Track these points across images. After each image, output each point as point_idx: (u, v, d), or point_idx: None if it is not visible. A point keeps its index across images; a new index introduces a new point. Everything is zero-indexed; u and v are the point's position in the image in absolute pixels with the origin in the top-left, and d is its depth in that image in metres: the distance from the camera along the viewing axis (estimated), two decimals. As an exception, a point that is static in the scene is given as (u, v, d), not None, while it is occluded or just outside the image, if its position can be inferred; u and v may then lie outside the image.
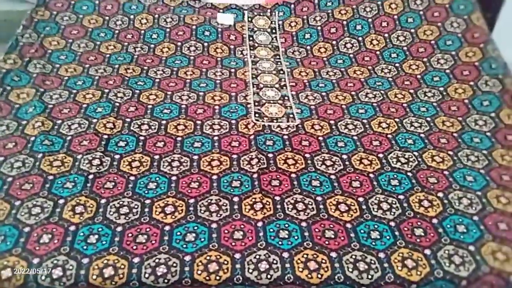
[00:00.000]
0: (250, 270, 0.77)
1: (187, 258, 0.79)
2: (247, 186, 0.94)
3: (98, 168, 0.96)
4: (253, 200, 0.91)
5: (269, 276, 0.77)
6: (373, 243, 0.83)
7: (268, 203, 0.90)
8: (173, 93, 1.24)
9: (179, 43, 1.45)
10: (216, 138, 1.08)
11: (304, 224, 0.86)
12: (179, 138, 1.08)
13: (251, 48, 1.46)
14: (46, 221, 0.84)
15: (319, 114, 1.18)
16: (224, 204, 0.90)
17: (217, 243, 0.82)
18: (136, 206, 0.89)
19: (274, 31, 1.53)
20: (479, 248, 0.83)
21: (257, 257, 0.79)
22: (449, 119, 1.17)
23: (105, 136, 1.05)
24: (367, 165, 1.02)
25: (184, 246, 0.81)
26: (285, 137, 1.10)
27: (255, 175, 0.97)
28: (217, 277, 0.76)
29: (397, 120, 1.17)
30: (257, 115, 1.17)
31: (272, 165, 1.01)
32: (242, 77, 1.33)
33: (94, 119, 1.11)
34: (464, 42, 1.33)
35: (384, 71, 1.37)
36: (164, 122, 1.13)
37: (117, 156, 1.01)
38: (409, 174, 1.00)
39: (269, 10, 1.57)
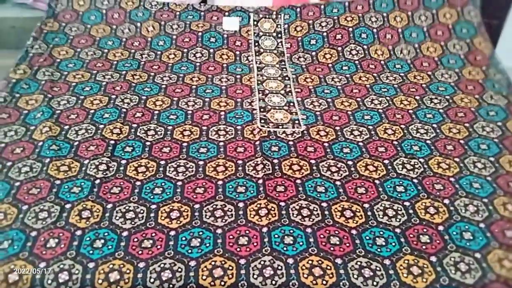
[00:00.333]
0: (255, 276, 0.77)
1: (192, 263, 0.79)
2: (252, 191, 0.94)
3: (104, 173, 0.97)
4: (258, 205, 0.91)
5: (274, 282, 0.76)
6: (379, 250, 0.83)
7: (273, 208, 0.90)
8: (179, 99, 1.25)
9: (185, 50, 1.46)
10: (221, 144, 1.08)
11: (309, 230, 0.86)
12: (185, 144, 1.08)
13: (257, 54, 1.47)
14: (53, 226, 0.84)
15: (325, 120, 1.18)
16: (229, 210, 0.90)
17: (222, 248, 0.82)
18: (142, 211, 0.89)
19: (279, 35, 1.53)
20: (485, 256, 0.82)
21: (262, 262, 0.79)
22: (455, 126, 1.17)
23: (112, 142, 1.06)
24: (372, 171, 1.02)
25: (189, 251, 0.81)
26: (291, 143, 1.10)
27: (260, 181, 0.97)
28: (222, 283, 0.76)
29: (402, 126, 1.17)
30: (262, 121, 1.17)
31: (277, 171, 1.01)
32: (248, 83, 1.34)
33: (101, 125, 1.12)
34: (467, 62, 1.34)
35: (389, 79, 1.37)
36: (170, 127, 1.13)
37: (123, 162, 1.01)
38: (415, 180, 0.99)
39: (274, 13, 1.57)
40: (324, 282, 0.77)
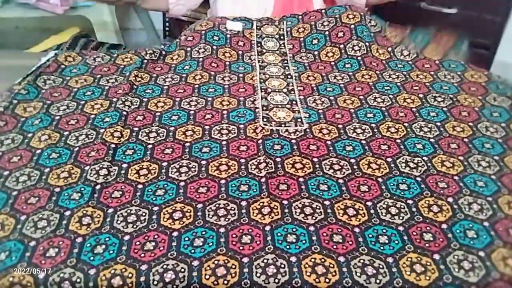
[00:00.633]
0: (258, 274, 0.77)
1: (195, 263, 0.78)
2: (255, 190, 0.94)
3: (105, 178, 0.95)
4: (261, 204, 0.91)
5: (276, 280, 0.76)
6: (382, 248, 0.82)
7: (276, 207, 0.90)
8: (182, 99, 1.25)
9: (188, 49, 1.46)
10: (224, 142, 1.08)
11: (312, 228, 0.86)
12: (187, 144, 1.08)
13: (259, 53, 1.47)
14: (53, 234, 0.83)
15: (327, 118, 1.18)
16: (232, 209, 0.90)
17: (225, 247, 0.81)
18: (143, 214, 0.88)
19: (282, 37, 1.53)
20: (489, 254, 0.82)
21: (265, 261, 0.79)
22: (459, 124, 1.17)
23: (113, 145, 1.05)
24: (375, 169, 1.01)
25: (192, 251, 0.81)
26: (293, 141, 1.10)
27: (263, 179, 0.97)
28: (225, 281, 0.76)
29: (406, 124, 1.16)
30: (265, 119, 1.17)
31: (280, 169, 1.00)
32: (250, 81, 1.34)
33: (102, 129, 1.10)
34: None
35: (392, 77, 1.37)
36: (172, 128, 1.13)
37: (124, 165, 1.00)
38: (418, 179, 0.99)
39: (277, 21, 1.59)
40: (327, 280, 0.77)
